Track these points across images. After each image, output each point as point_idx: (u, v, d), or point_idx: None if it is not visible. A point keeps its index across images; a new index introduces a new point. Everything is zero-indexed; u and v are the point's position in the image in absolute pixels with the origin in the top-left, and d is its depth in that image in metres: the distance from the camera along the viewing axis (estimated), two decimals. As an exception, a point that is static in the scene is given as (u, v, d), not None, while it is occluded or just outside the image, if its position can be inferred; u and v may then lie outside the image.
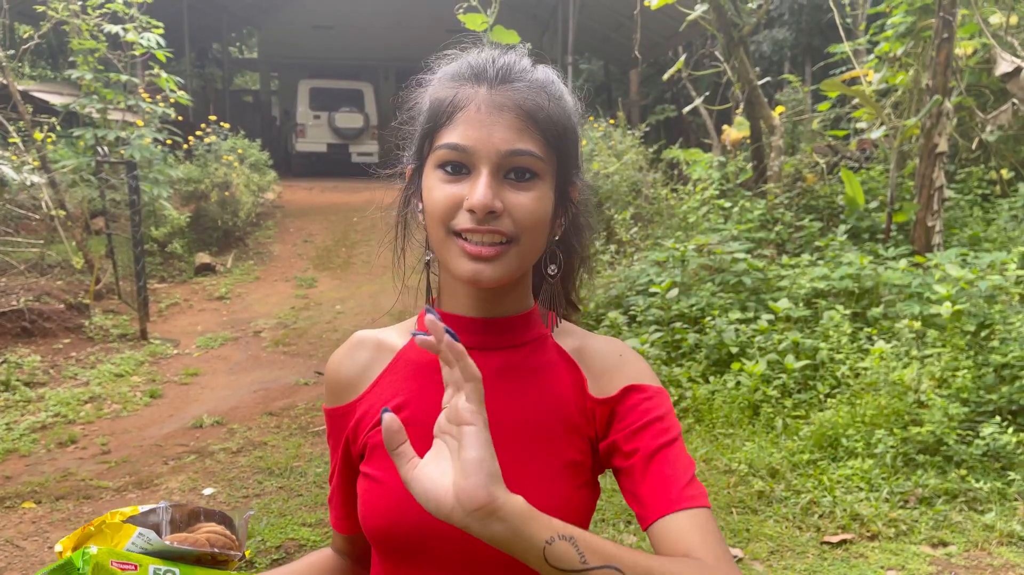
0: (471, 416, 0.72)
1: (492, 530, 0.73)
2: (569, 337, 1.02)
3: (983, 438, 3.92)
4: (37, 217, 8.29)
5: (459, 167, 0.89)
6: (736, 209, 7.46)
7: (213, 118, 11.55)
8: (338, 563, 1.12)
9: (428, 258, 1.01)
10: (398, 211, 1.03)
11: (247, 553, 1.01)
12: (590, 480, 0.98)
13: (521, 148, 0.88)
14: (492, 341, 0.98)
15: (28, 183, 7.49)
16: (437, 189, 0.90)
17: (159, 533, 0.92)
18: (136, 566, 0.86)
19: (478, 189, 0.86)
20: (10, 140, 8.01)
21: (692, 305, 5.63)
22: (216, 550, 0.93)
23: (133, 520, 0.92)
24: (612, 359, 1.00)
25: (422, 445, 0.92)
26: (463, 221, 0.88)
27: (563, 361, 1.00)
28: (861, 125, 8.54)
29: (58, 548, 0.93)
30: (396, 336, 1.04)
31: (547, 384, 0.98)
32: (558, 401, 0.97)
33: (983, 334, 4.55)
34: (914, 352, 4.58)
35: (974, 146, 7.90)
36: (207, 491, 4.10)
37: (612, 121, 10.08)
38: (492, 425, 0.92)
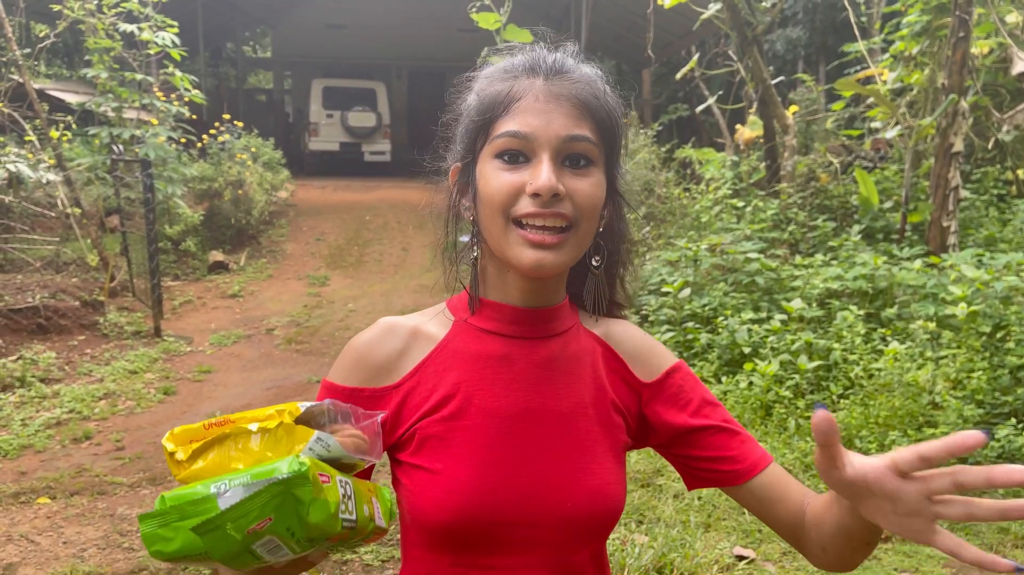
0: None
1: None
2: (592, 323, 1.06)
3: (998, 440, 3.89)
4: (53, 215, 8.36)
5: (516, 156, 0.91)
6: (749, 209, 7.43)
7: (227, 117, 11.60)
8: None
9: (476, 254, 1.01)
10: (447, 209, 1.03)
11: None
12: (625, 452, 1.03)
13: (579, 134, 0.91)
14: (539, 330, 1.00)
15: (44, 181, 7.55)
16: (496, 178, 0.91)
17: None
18: (328, 477, 0.75)
19: (542, 172, 0.88)
20: (26, 138, 8.08)
21: (704, 305, 5.61)
22: (368, 458, 0.84)
23: (302, 421, 0.79)
24: (640, 343, 1.05)
25: (478, 433, 0.96)
26: (525, 206, 0.90)
27: (599, 346, 1.04)
28: (876, 124, 8.49)
29: (169, 446, 0.80)
30: (431, 325, 1.03)
31: (588, 370, 1.01)
32: (602, 384, 1.02)
33: (999, 335, 4.52)
34: (929, 353, 4.55)
35: (990, 146, 7.84)
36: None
37: (625, 120, 10.06)
38: (547, 414, 0.98)
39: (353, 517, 0.77)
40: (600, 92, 0.95)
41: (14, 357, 5.97)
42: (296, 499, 0.71)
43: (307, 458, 0.74)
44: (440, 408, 0.97)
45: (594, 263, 1.00)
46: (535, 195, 0.89)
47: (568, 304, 1.04)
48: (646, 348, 1.05)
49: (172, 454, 0.79)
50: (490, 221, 0.93)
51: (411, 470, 0.96)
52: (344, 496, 0.77)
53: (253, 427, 0.78)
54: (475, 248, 1.01)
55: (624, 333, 1.06)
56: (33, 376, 5.66)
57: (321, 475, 0.74)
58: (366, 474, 1.00)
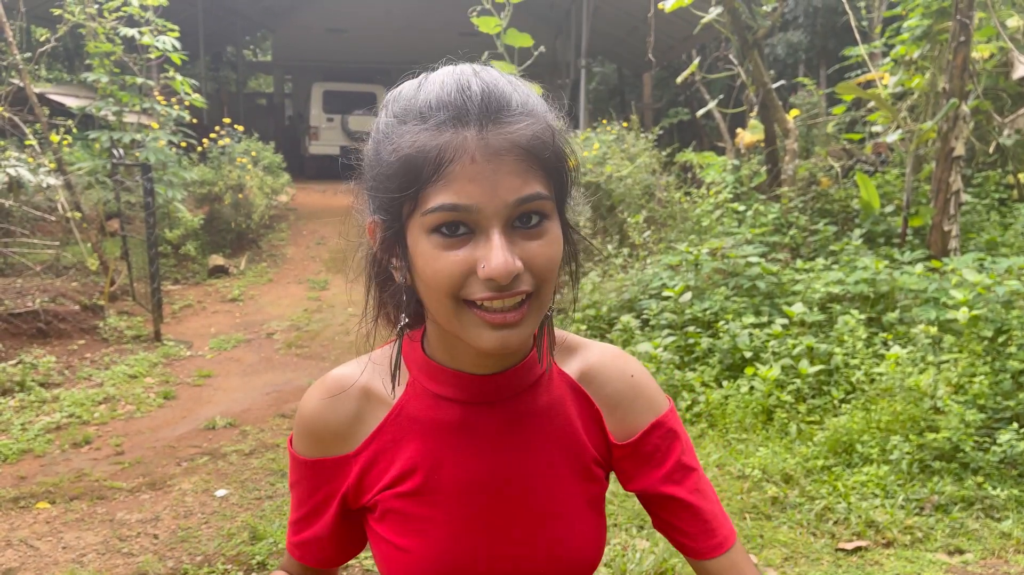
0: None
1: None
2: (570, 354, 0.96)
3: (1000, 445, 3.88)
4: (53, 219, 8.36)
5: (456, 227, 0.77)
6: (750, 213, 7.42)
7: (227, 121, 11.61)
8: None
9: (403, 323, 0.91)
10: (368, 272, 0.93)
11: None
12: (603, 501, 0.98)
13: (529, 194, 0.77)
14: (501, 394, 0.91)
15: (44, 185, 7.55)
16: (437, 259, 0.77)
17: None
18: None
19: (495, 255, 0.75)
20: (27, 142, 8.08)
21: (705, 309, 5.60)
22: None
23: None
24: (623, 386, 0.95)
25: (447, 509, 0.91)
26: (478, 291, 0.77)
27: (571, 392, 0.95)
28: (876, 128, 8.48)
29: None
30: (380, 382, 0.94)
31: (559, 423, 0.93)
32: (572, 439, 0.94)
33: (1000, 340, 4.51)
34: (930, 358, 4.54)
35: (991, 150, 7.84)
36: (220, 493, 4.11)
37: (625, 124, 10.06)
38: (514, 479, 0.92)
39: None
40: (544, 128, 0.80)
41: (14, 361, 5.97)
42: None
43: None
44: (400, 483, 0.91)
45: (551, 307, 0.89)
46: (490, 280, 0.76)
47: (534, 352, 0.93)
48: (627, 398, 0.95)
49: None
50: (437, 304, 0.81)
51: (379, 540, 0.93)
52: None
53: None
54: (404, 317, 0.91)
55: (605, 375, 0.95)
56: (33, 380, 5.65)
57: None
58: None
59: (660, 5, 7.62)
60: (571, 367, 0.95)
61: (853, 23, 8.21)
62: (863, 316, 5.10)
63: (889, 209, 7.43)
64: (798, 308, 5.22)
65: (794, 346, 4.97)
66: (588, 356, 0.97)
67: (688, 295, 5.68)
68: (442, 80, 0.80)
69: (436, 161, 0.76)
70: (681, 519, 0.95)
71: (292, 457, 0.98)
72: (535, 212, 0.79)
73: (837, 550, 3.42)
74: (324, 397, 0.94)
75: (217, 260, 9.61)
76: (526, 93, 0.82)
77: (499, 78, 0.81)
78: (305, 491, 0.98)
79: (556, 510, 0.92)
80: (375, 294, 0.94)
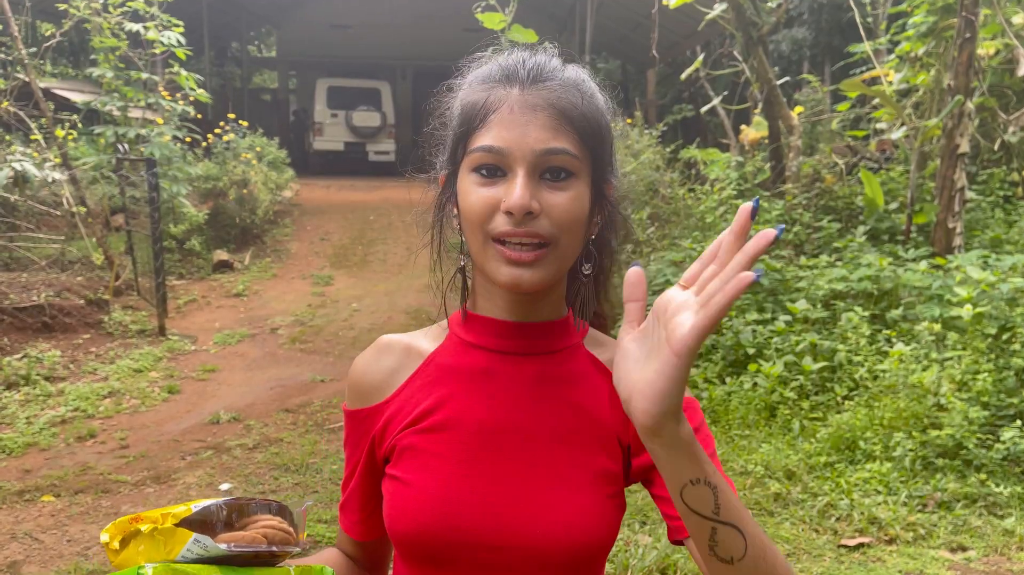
0: (679, 338, 0.68)
1: (650, 445, 0.74)
2: (601, 348, 1.01)
3: (1003, 442, 3.88)
4: (58, 213, 8.38)
5: (494, 170, 0.88)
6: (754, 209, 7.41)
7: (232, 116, 11.62)
8: (348, 566, 1.09)
9: (463, 263, 0.99)
10: (433, 217, 1.02)
11: (302, 536, 0.95)
12: (620, 491, 0.96)
13: (556, 147, 0.87)
14: (528, 346, 0.97)
15: (49, 180, 7.57)
16: (472, 193, 0.89)
17: (213, 534, 0.84)
18: None
19: (515, 190, 0.85)
20: (32, 137, 8.10)
21: (709, 306, 5.60)
22: (275, 547, 0.87)
23: (186, 523, 0.84)
24: None
25: (456, 448, 0.93)
26: (500, 225, 0.87)
27: (598, 371, 0.98)
28: (881, 125, 8.47)
29: (104, 538, 0.86)
30: (425, 340, 1.02)
31: (582, 392, 0.97)
32: (593, 410, 0.96)
33: (1004, 337, 4.50)
34: (934, 355, 4.54)
35: (996, 147, 7.82)
36: (224, 486, 4.12)
37: (629, 121, 10.05)
38: (528, 434, 0.94)
39: None
40: (581, 98, 0.90)
41: (19, 355, 5.99)
42: None
43: (153, 567, 0.79)
44: (420, 421, 0.95)
45: (584, 271, 0.97)
46: (508, 213, 0.86)
47: (569, 322, 1.00)
48: None
49: (107, 544, 0.85)
50: (470, 236, 0.91)
51: (389, 481, 0.96)
52: None
53: (143, 529, 0.84)
54: (463, 258, 0.99)
55: None
56: (38, 374, 5.68)
57: None
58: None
59: (664, 1, 7.61)
60: (603, 356, 1.00)
61: (858, 20, 8.20)
62: (867, 313, 5.10)
63: (893, 206, 7.42)
64: (802, 305, 5.22)
65: (797, 343, 4.97)
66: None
67: (691, 291, 5.68)
68: (511, 54, 0.94)
69: (483, 110, 0.90)
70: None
71: (344, 414, 1.05)
72: (562, 168, 0.88)
73: (839, 546, 3.43)
74: (371, 353, 1.03)
75: (221, 255, 9.63)
76: (579, 74, 0.94)
77: (556, 59, 0.94)
78: (351, 447, 1.04)
79: (559, 474, 0.92)
80: (437, 236, 1.02)
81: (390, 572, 1.09)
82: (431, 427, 0.95)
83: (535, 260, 0.87)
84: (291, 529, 0.90)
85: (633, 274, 0.74)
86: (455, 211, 0.95)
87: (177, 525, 0.83)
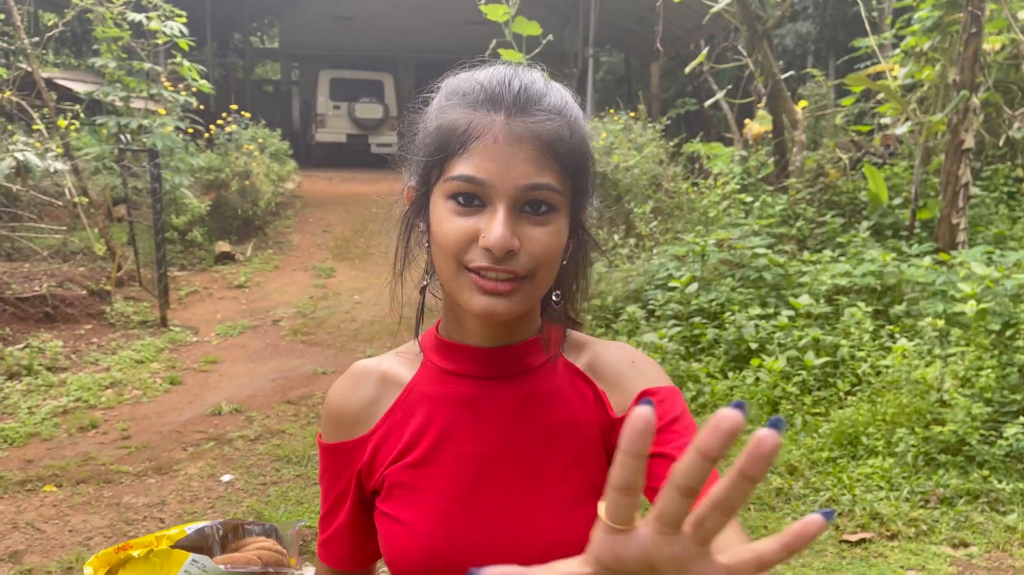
0: None
1: None
2: (578, 351, 0.99)
3: (1006, 438, 3.88)
4: (60, 204, 8.37)
5: (472, 198, 0.84)
6: (757, 204, 7.40)
7: (234, 107, 11.60)
8: None
9: (425, 283, 0.97)
10: (399, 236, 0.99)
11: (292, 562, 0.96)
12: None
13: (540, 182, 0.84)
14: (507, 369, 0.95)
15: (52, 170, 7.56)
16: (448, 221, 0.85)
17: (210, 555, 0.85)
18: None
19: (495, 228, 0.82)
20: (34, 127, 8.08)
21: (712, 300, 5.59)
22: (271, 569, 0.88)
23: (182, 544, 0.84)
24: (625, 367, 0.97)
25: (444, 482, 0.92)
26: (478, 259, 0.84)
27: (579, 378, 0.97)
28: (885, 120, 8.44)
29: (87, 571, 0.85)
30: (399, 366, 1.00)
31: (566, 406, 0.95)
32: (578, 421, 0.94)
33: (1008, 333, 4.49)
34: (937, 351, 4.53)
35: (1001, 143, 7.79)
36: (225, 478, 4.13)
37: (633, 114, 10.02)
38: (517, 459, 0.92)
39: None
40: (568, 130, 0.86)
41: (21, 345, 5.99)
42: None
43: None
44: (405, 454, 0.94)
45: (554, 298, 0.94)
46: (487, 249, 0.82)
47: (545, 338, 0.97)
48: (626, 375, 0.96)
49: None
50: (442, 263, 0.87)
51: (383, 518, 0.95)
52: None
53: (136, 554, 0.84)
54: (427, 278, 0.97)
55: (610, 360, 0.97)
56: (40, 364, 5.68)
57: None
58: None
59: (669, -6, 7.58)
60: (580, 360, 0.98)
61: (863, 14, 8.16)
62: (870, 308, 5.09)
63: (897, 201, 7.40)
64: (804, 300, 5.21)
65: (800, 338, 4.96)
66: (597, 350, 0.99)
67: (694, 286, 5.67)
68: (491, 71, 0.89)
69: (464, 135, 0.85)
70: (657, 474, 0.86)
71: (319, 448, 1.03)
72: (544, 202, 0.85)
73: (841, 542, 3.43)
74: (346, 383, 1.00)
75: (223, 247, 9.62)
76: (563, 98, 0.89)
77: (540, 79, 0.89)
78: (329, 481, 1.01)
79: (558, 494, 0.92)
80: (403, 252, 1.00)
81: None
82: (419, 461, 0.93)
83: (511, 291, 0.84)
84: (284, 550, 0.91)
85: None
86: (425, 229, 0.92)
87: (175, 547, 0.84)
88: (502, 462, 0.92)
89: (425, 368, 0.98)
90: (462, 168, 0.84)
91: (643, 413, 0.48)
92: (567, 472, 0.93)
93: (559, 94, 0.89)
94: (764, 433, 0.45)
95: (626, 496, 0.50)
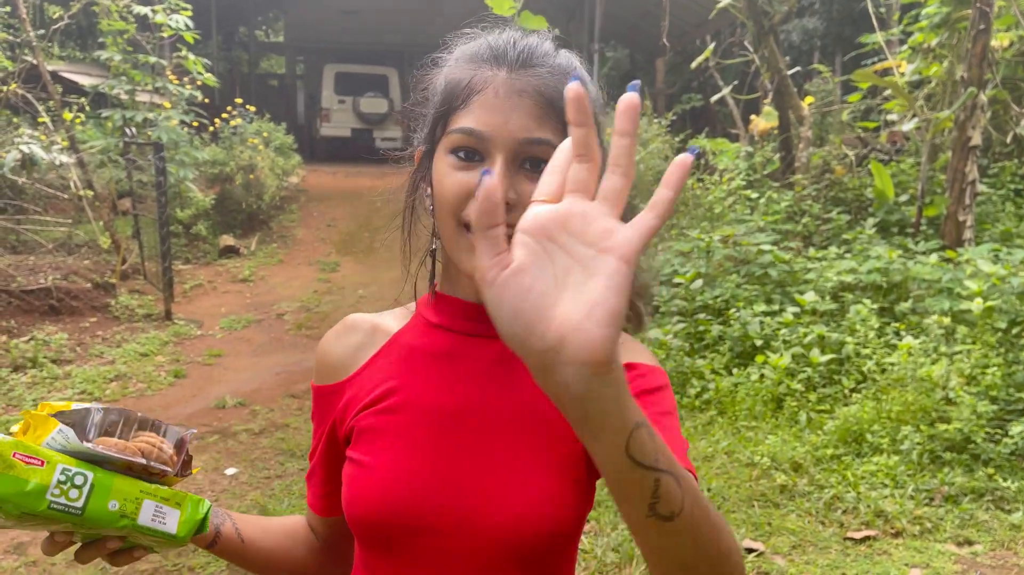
0: (623, 241, 0.54)
1: (595, 391, 0.55)
2: None
3: (1012, 437, 3.86)
4: (65, 197, 8.38)
5: (472, 153, 0.85)
6: (763, 200, 7.38)
7: (239, 101, 11.60)
8: (309, 537, 1.09)
9: (435, 246, 0.97)
10: (406, 195, 0.99)
11: (194, 471, 0.96)
12: (587, 477, 0.91)
13: (539, 137, 0.84)
14: (491, 329, 0.93)
15: (57, 163, 7.56)
16: (448, 176, 0.86)
17: (85, 433, 0.85)
18: (43, 462, 0.81)
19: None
20: (40, 120, 8.09)
21: (716, 296, 5.58)
22: (147, 461, 0.87)
23: (59, 416, 0.85)
24: None
25: (414, 430, 0.91)
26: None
27: None
28: (892, 117, 8.41)
29: (14, 429, 0.89)
30: (391, 320, 1.01)
31: None
32: None
33: (1014, 331, 4.48)
34: (943, 348, 4.51)
35: (1008, 140, 7.76)
36: (229, 471, 4.13)
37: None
38: (488, 416, 0.91)
39: (77, 505, 0.83)
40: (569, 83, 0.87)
41: (26, 338, 6.00)
42: None
43: (4, 439, 0.81)
44: (379, 402, 0.94)
45: None
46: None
47: None
48: None
49: (15, 434, 0.88)
50: (442, 221, 0.88)
51: (349, 464, 0.94)
52: (62, 483, 0.82)
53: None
54: (435, 241, 0.96)
55: None
56: (45, 357, 5.69)
57: (28, 458, 0.81)
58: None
59: (676, -11, 7.55)
60: None
61: (871, 9, 8.13)
62: (875, 306, 5.07)
63: (903, 198, 7.38)
64: (810, 297, 5.20)
65: (805, 335, 4.95)
66: None
67: (699, 282, 5.66)
68: (501, 34, 0.91)
69: (467, 89, 0.86)
70: None
71: (312, 390, 1.04)
72: (543, 159, 0.84)
73: (846, 539, 3.42)
74: (336, 330, 1.02)
75: (228, 240, 9.63)
76: (570, 60, 0.90)
77: (547, 42, 0.90)
78: (316, 423, 1.03)
79: (521, 457, 0.89)
80: (409, 215, 1.00)
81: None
82: (389, 408, 0.93)
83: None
84: (172, 452, 0.90)
85: (489, 186, 0.56)
86: (428, 191, 0.93)
87: (52, 415, 0.85)
88: (473, 419, 0.91)
89: (414, 321, 0.99)
90: (463, 121, 0.85)
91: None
92: (537, 440, 0.90)
93: (567, 57, 0.89)
94: (626, 96, 0.55)
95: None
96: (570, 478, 0.90)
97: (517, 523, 0.86)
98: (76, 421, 0.86)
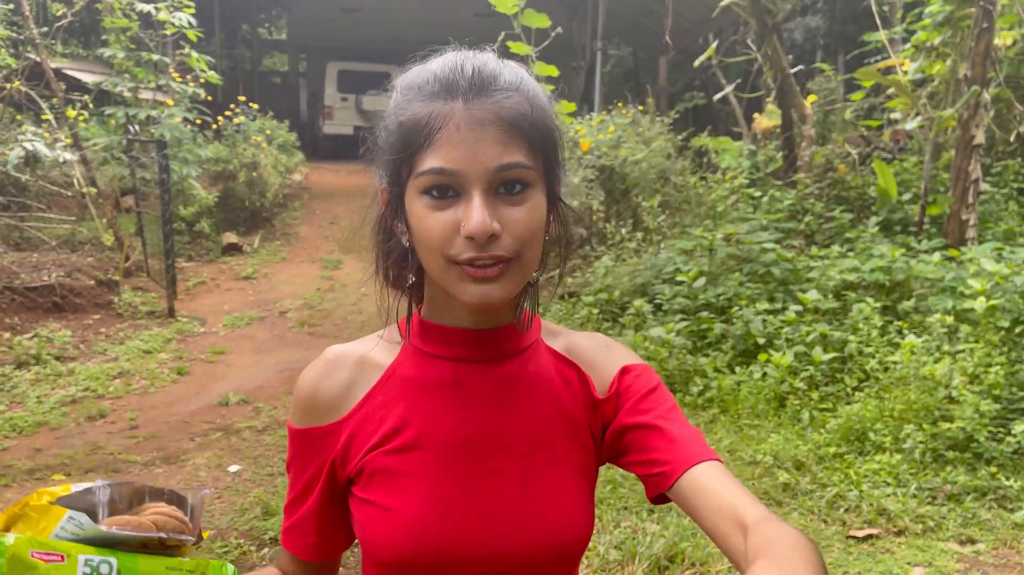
0: None
1: None
2: (555, 337, 1.00)
3: (1015, 435, 3.86)
4: (69, 194, 8.39)
5: (446, 190, 0.83)
6: (765, 199, 7.38)
7: (242, 98, 11.60)
8: None
9: (410, 282, 0.96)
10: (378, 238, 0.98)
11: (204, 535, 0.91)
12: (595, 476, 0.98)
13: (510, 162, 0.83)
14: (491, 352, 0.94)
15: (60, 160, 7.57)
16: (427, 218, 0.84)
17: (95, 516, 0.80)
18: (63, 557, 0.76)
19: (474, 215, 0.81)
20: (43, 117, 8.10)
21: (719, 295, 5.58)
22: (164, 534, 0.83)
23: (63, 501, 0.80)
24: (601, 350, 0.99)
25: (429, 466, 0.91)
26: (463, 251, 0.83)
27: (561, 362, 0.98)
28: (895, 115, 8.40)
29: None
30: (378, 350, 0.98)
31: (550, 389, 0.96)
32: (562, 404, 0.95)
33: (1017, 330, 4.47)
34: (946, 347, 4.51)
35: (1011, 139, 7.75)
36: (232, 468, 4.14)
37: (641, 108, 9.99)
38: (503, 441, 0.92)
39: None
40: (529, 106, 0.85)
41: (30, 335, 6.01)
42: None
43: (15, 539, 0.75)
44: (389, 440, 0.92)
45: (533, 278, 0.93)
46: (470, 238, 0.81)
47: (524, 322, 0.97)
48: (602, 355, 0.98)
49: None
50: (429, 260, 0.87)
51: (362, 505, 0.93)
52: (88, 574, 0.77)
53: (19, 510, 0.81)
54: (410, 277, 0.95)
55: (586, 346, 0.99)
56: (48, 354, 5.70)
57: (47, 555, 0.75)
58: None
59: (679, -13, 7.55)
60: (557, 344, 1.00)
61: (874, 8, 8.12)
62: (878, 304, 5.07)
63: (906, 197, 7.37)
64: (812, 295, 5.20)
65: (808, 333, 4.95)
66: (572, 337, 1.01)
67: (702, 280, 5.66)
68: (442, 60, 0.88)
69: (427, 128, 0.84)
70: (646, 446, 0.90)
71: (289, 432, 0.99)
72: (517, 181, 0.84)
73: (848, 537, 3.42)
74: (320, 367, 0.98)
75: (231, 238, 9.64)
76: (518, 74, 0.88)
77: (492, 60, 0.88)
78: (299, 467, 0.98)
79: (544, 476, 0.92)
80: (382, 256, 0.99)
81: None
82: (402, 447, 0.91)
83: (500, 275, 0.84)
84: (186, 519, 0.86)
85: None
86: (405, 228, 0.91)
87: (55, 503, 0.80)
88: (489, 445, 0.92)
89: (406, 352, 0.97)
90: (430, 161, 0.83)
91: None
92: (552, 455, 0.93)
93: (513, 71, 0.88)
94: None
95: None
96: (585, 486, 0.94)
97: (545, 537, 0.90)
98: (83, 504, 0.81)
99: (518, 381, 0.94)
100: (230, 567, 0.87)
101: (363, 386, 0.95)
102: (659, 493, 0.89)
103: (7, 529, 0.80)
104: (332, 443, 0.95)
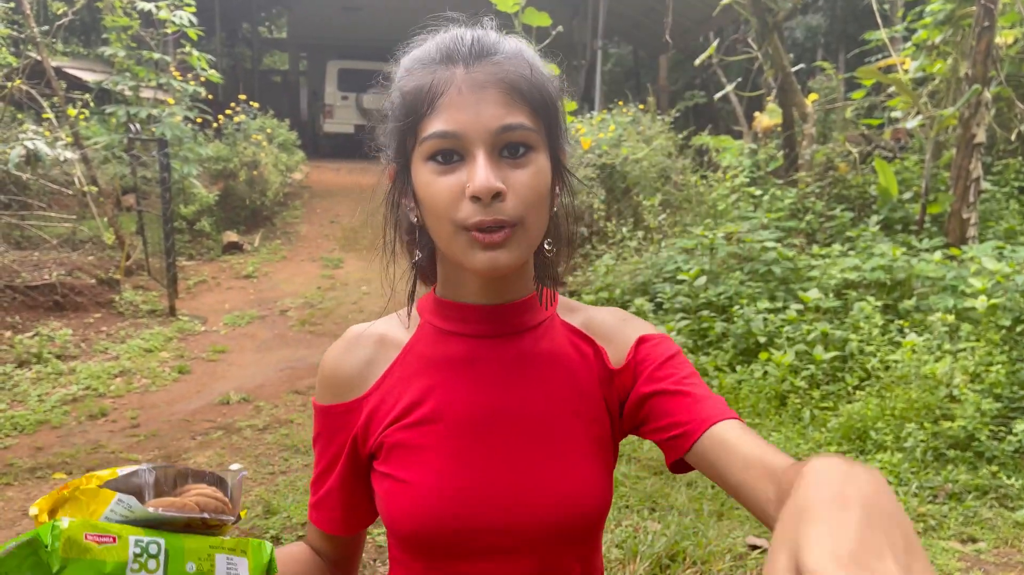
0: None
1: None
2: (573, 313, 1.01)
3: (1016, 434, 3.86)
4: (69, 193, 8.39)
5: (450, 155, 0.85)
6: (766, 197, 7.38)
7: (243, 97, 11.60)
8: (317, 560, 1.07)
9: (416, 259, 0.98)
10: (386, 216, 0.99)
11: (242, 514, 0.94)
12: (613, 450, 0.98)
13: (512, 122, 0.84)
14: (506, 327, 0.95)
15: (61, 159, 7.57)
16: (433, 184, 0.85)
17: (141, 498, 0.83)
18: (115, 538, 0.78)
19: (478, 173, 0.82)
20: (44, 116, 8.10)
21: (720, 293, 5.58)
22: (207, 515, 0.85)
23: (111, 484, 0.82)
24: (617, 323, 1.00)
25: (445, 440, 0.92)
26: (470, 215, 0.83)
27: (576, 336, 0.98)
28: (896, 114, 8.40)
29: (33, 511, 0.83)
30: (397, 328, 1.00)
31: (565, 363, 0.96)
32: (578, 378, 0.96)
33: (1018, 329, 4.47)
34: (947, 346, 4.51)
35: (1012, 137, 7.75)
36: (234, 466, 4.13)
37: (641, 106, 9.99)
38: (518, 414, 0.93)
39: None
40: (528, 69, 0.87)
41: (31, 333, 6.02)
42: (42, 562, 0.75)
43: (70, 522, 0.76)
44: (406, 415, 0.94)
45: (546, 246, 0.93)
46: (475, 198, 0.82)
47: (537, 295, 0.98)
48: (618, 328, 0.98)
49: (35, 517, 0.83)
50: (436, 227, 0.87)
51: (382, 478, 0.95)
52: (138, 555, 0.79)
53: (67, 493, 0.83)
54: (417, 252, 0.97)
55: (603, 319, 1.00)
56: (49, 352, 5.70)
57: (100, 537, 0.77)
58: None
59: (680, -14, 7.54)
60: (575, 320, 1.00)
61: (874, 6, 8.12)
62: (879, 303, 5.07)
63: (907, 196, 7.37)
64: (813, 294, 5.20)
65: (809, 332, 4.95)
66: (590, 312, 1.02)
67: (703, 279, 5.66)
68: (443, 34, 0.91)
69: (429, 95, 0.85)
70: (666, 411, 0.89)
71: (314, 409, 1.02)
72: (520, 143, 0.85)
73: (849, 536, 3.42)
74: (342, 346, 1.01)
75: (231, 236, 9.64)
76: (517, 44, 0.90)
77: (493, 32, 0.90)
78: (323, 443, 1.01)
79: (560, 448, 0.93)
80: (391, 233, 1.00)
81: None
82: (420, 421, 0.93)
83: (506, 240, 0.84)
84: (226, 499, 0.88)
85: None
86: (412, 204, 0.92)
87: (103, 486, 0.82)
88: (504, 419, 0.93)
89: (423, 329, 0.98)
90: (433, 126, 0.84)
91: None
92: (570, 427, 0.94)
93: (513, 42, 0.90)
94: None
95: None
96: (602, 459, 0.95)
97: (562, 509, 0.90)
98: (130, 487, 0.83)
99: (533, 356, 0.95)
100: (268, 545, 0.90)
101: (382, 364, 0.98)
102: (679, 458, 0.88)
103: (54, 512, 0.83)
104: (354, 420, 0.97)
